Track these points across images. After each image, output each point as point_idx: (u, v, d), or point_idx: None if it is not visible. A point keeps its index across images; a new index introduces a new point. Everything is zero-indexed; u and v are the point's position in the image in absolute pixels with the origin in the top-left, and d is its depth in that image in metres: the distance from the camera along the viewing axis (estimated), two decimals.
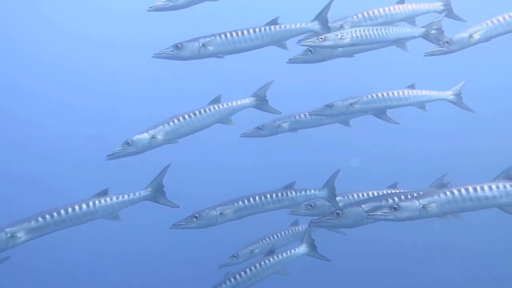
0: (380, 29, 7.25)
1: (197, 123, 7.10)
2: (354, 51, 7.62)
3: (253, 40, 6.98)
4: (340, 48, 7.45)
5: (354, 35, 7.14)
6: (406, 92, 7.89)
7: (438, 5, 7.89)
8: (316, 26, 7.19)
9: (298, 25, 7.18)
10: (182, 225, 6.82)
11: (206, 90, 8.97)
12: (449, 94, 7.97)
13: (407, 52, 7.57)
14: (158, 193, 6.64)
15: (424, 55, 7.26)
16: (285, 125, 8.14)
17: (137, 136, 6.78)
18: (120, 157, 6.77)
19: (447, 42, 7.17)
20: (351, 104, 7.69)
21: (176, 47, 6.80)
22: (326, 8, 7.12)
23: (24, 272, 13.75)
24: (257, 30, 7.00)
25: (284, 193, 7.19)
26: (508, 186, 5.55)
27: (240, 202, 7.00)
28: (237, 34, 6.94)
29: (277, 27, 7.09)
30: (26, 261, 12.71)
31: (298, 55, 7.38)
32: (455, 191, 5.59)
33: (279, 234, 8.35)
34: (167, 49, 6.83)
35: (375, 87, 8.01)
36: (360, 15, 7.59)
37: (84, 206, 6.37)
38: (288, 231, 8.45)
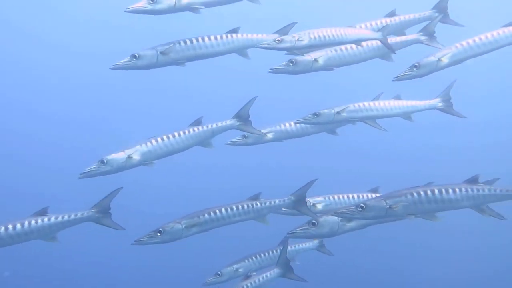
0: (339, 30, 7.26)
1: (176, 145, 7.00)
2: (335, 64, 7.56)
3: (213, 47, 6.97)
4: (321, 61, 7.45)
5: (312, 37, 7.16)
6: (393, 102, 7.83)
7: (431, 13, 7.82)
8: (273, 38, 7.18)
9: (259, 35, 7.18)
10: (145, 240, 6.50)
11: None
12: (437, 101, 7.81)
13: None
14: (102, 214, 6.41)
15: (393, 80, 7.24)
16: (270, 134, 8.04)
17: (113, 155, 6.66)
18: (94, 176, 6.61)
19: (415, 66, 7.15)
20: (338, 113, 7.66)
21: (133, 56, 6.70)
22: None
23: None
24: (218, 37, 6.98)
25: (250, 205, 6.97)
26: (469, 190, 5.78)
27: (206, 215, 6.76)
28: (197, 41, 6.90)
29: (238, 35, 7.10)
30: None
31: (279, 66, 7.33)
32: (421, 193, 5.73)
33: (266, 254, 8.05)
34: (124, 59, 6.70)
35: (360, 97, 7.95)
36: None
37: (18, 226, 6.09)
38: (276, 251, 8.10)
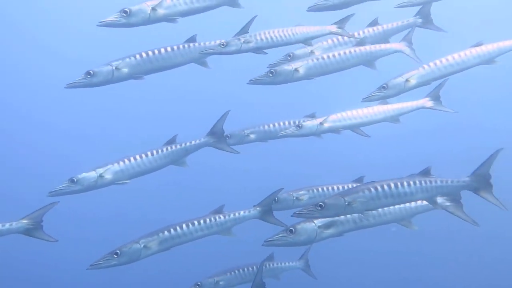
0: (287, 30, 7.18)
1: (149, 164, 6.89)
2: (317, 73, 7.37)
3: (170, 59, 6.81)
4: (301, 71, 7.29)
5: (259, 38, 7.05)
6: (379, 107, 7.68)
7: (416, 19, 7.68)
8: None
9: (216, 42, 7.00)
10: (101, 264, 6.23)
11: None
12: (426, 101, 7.62)
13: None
14: (34, 226, 6.18)
15: (362, 101, 7.20)
16: (253, 135, 8.00)
17: (84, 174, 6.54)
18: (64, 195, 6.48)
19: (384, 87, 7.09)
20: (321, 123, 7.61)
21: (88, 73, 6.53)
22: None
23: None
24: (174, 48, 6.83)
25: (213, 219, 6.77)
26: (423, 182, 5.80)
27: (166, 232, 6.53)
28: (153, 53, 6.73)
29: (196, 44, 6.93)
30: None
31: (259, 77, 7.21)
32: (378, 188, 5.75)
33: (249, 268, 7.84)
34: (79, 77, 6.54)
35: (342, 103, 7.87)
36: (330, 41, 7.60)
37: None
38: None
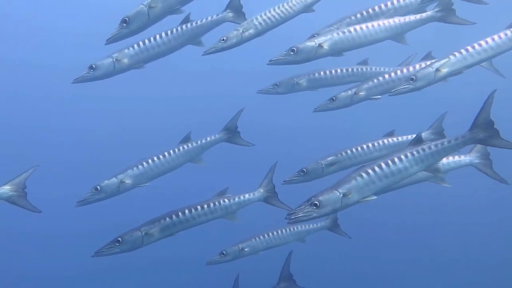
0: (283, 5, 6.84)
1: (167, 164, 6.91)
2: (343, 48, 6.86)
3: (167, 43, 6.65)
4: (326, 47, 6.79)
5: (257, 22, 6.77)
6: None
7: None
8: (228, 15, 6.79)
9: (210, 18, 6.78)
10: (104, 251, 6.31)
11: None
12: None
13: None
14: (17, 193, 5.85)
15: (389, 95, 6.71)
16: (303, 82, 7.76)
17: (106, 182, 6.69)
18: (90, 203, 6.69)
19: (412, 79, 6.48)
20: (355, 93, 7.39)
21: (91, 67, 6.57)
22: None
23: None
24: (169, 32, 6.66)
25: (216, 203, 6.65)
26: (416, 152, 5.45)
27: (168, 219, 6.47)
28: (149, 41, 6.63)
29: (189, 24, 6.71)
30: None
31: (279, 56, 6.84)
32: (370, 171, 5.43)
33: (274, 233, 7.81)
34: (83, 72, 6.59)
35: None
36: (353, 17, 7.04)
37: None
38: (285, 230, 7.90)
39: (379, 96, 7.38)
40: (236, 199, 6.71)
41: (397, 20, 6.80)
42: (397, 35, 6.85)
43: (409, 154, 5.42)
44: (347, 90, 7.47)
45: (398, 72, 7.33)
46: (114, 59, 6.54)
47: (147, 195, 7.20)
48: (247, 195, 6.74)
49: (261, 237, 7.73)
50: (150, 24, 6.21)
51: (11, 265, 14.62)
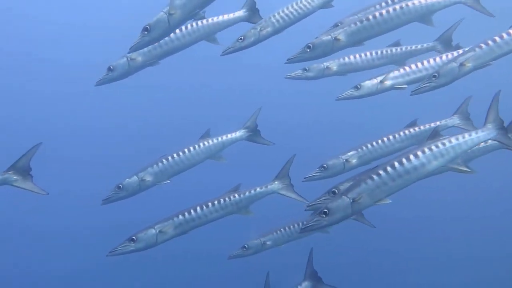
0: (301, 2, 6.67)
1: (186, 161, 6.97)
2: (363, 38, 6.69)
3: (181, 39, 6.60)
4: (343, 38, 6.65)
5: (275, 20, 6.67)
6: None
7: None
8: (244, 14, 6.73)
9: (225, 16, 6.70)
10: (119, 250, 6.35)
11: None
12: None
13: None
14: (22, 176, 5.69)
15: (411, 94, 6.47)
16: (334, 66, 7.52)
17: (127, 180, 6.81)
18: (114, 201, 6.84)
19: (434, 76, 6.26)
20: (381, 82, 7.21)
21: (109, 69, 6.66)
22: None
23: None
24: (183, 28, 6.58)
25: (228, 198, 6.61)
26: (434, 147, 5.13)
27: (180, 216, 6.47)
28: None
29: (204, 21, 6.66)
30: None
31: (296, 54, 6.74)
32: (381, 172, 5.11)
33: (295, 226, 7.57)
34: (103, 74, 6.68)
35: None
36: (378, 6, 6.77)
37: None
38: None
39: (405, 86, 7.14)
40: (247, 193, 6.67)
41: (417, 1, 6.52)
42: (423, 16, 6.58)
43: (427, 149, 5.13)
44: (372, 78, 7.29)
45: (425, 62, 7.08)
46: (128, 58, 6.61)
47: (162, 193, 7.24)
48: (258, 188, 6.70)
49: (282, 230, 7.59)
50: (172, 31, 6.19)
51: (24, 263, 14.87)
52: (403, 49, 7.59)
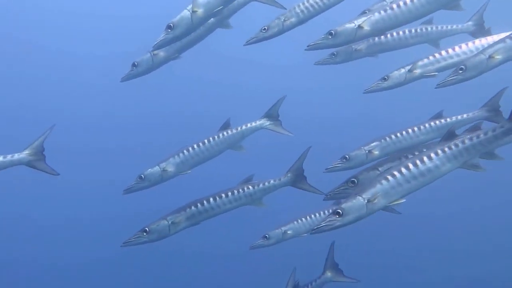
0: None
1: (207, 152, 6.98)
2: (386, 27, 6.43)
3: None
4: (367, 27, 6.41)
5: (299, 10, 6.54)
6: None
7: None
8: None
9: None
10: (132, 241, 6.41)
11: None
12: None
13: None
14: (37, 157, 5.91)
15: (436, 87, 6.25)
16: (363, 47, 7.34)
17: (149, 170, 6.88)
18: (136, 191, 6.93)
19: (461, 69, 6.01)
20: (409, 71, 6.95)
21: (133, 65, 6.94)
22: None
23: None
24: None
25: (241, 190, 6.59)
26: (448, 149, 5.08)
27: (193, 207, 6.49)
28: None
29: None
30: None
31: (317, 40, 6.51)
32: (396, 173, 5.08)
33: (316, 215, 7.53)
34: (129, 70, 6.97)
35: None
36: None
37: None
38: (328, 212, 7.44)
39: (436, 73, 6.83)
40: (261, 185, 6.65)
41: None
42: (448, 3, 6.22)
43: (441, 151, 5.08)
44: (399, 68, 7.03)
45: (457, 48, 6.76)
46: (152, 54, 6.78)
47: (173, 182, 7.25)
48: (272, 181, 6.66)
49: (303, 219, 7.56)
50: (195, 28, 6.22)
51: (39, 253, 15.11)
52: (438, 28, 7.31)
